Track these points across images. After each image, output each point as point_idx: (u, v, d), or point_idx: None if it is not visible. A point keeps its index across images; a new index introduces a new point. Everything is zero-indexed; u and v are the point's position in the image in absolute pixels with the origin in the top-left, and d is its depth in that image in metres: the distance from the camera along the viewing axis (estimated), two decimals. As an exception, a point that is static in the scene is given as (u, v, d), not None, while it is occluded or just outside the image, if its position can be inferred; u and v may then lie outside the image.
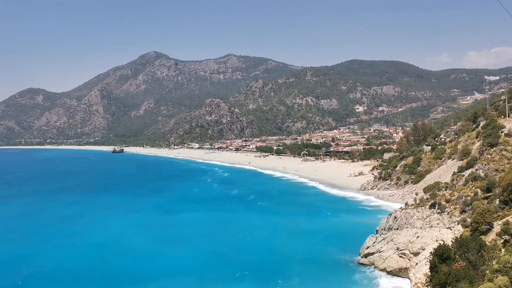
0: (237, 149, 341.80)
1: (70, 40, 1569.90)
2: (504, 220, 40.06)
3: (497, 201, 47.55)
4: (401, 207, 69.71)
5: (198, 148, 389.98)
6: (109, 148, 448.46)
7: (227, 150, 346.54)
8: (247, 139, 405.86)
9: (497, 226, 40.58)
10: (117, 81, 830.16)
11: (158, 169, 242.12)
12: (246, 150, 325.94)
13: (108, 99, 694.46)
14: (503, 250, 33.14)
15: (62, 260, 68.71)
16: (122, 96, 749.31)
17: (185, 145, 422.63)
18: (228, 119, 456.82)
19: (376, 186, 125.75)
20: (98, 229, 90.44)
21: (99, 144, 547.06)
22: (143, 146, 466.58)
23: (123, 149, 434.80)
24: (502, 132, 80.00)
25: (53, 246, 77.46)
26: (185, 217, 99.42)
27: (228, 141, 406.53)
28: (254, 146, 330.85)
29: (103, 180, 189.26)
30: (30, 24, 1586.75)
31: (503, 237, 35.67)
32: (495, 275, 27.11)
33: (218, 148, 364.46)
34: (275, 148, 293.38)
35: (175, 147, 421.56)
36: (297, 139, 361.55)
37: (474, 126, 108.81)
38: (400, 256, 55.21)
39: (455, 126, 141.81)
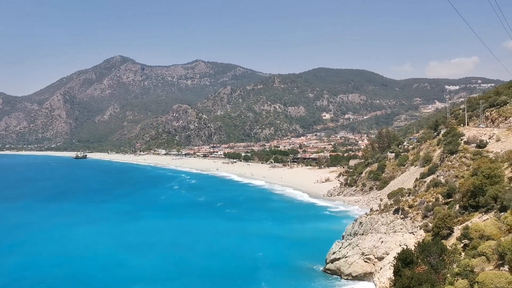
0: (205, 156, 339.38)
1: (31, 42, 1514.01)
2: (463, 224, 41.39)
3: (457, 207, 49.10)
4: (366, 213, 70.95)
5: (165, 154, 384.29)
6: (72, 154, 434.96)
7: (194, 157, 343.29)
8: (215, 145, 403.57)
9: (457, 231, 41.86)
10: (81, 85, 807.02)
11: (123, 175, 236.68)
12: (214, 157, 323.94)
13: (71, 103, 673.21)
14: (463, 254, 34.17)
15: (25, 269, 65.89)
16: (86, 101, 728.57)
17: (152, 151, 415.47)
18: (196, 125, 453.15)
19: (342, 192, 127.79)
20: (61, 237, 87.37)
21: (61, 149, 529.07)
22: (108, 152, 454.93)
23: (86, 155, 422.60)
24: (461, 140, 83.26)
25: (13, 255, 74.13)
26: (151, 225, 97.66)
27: (195, 148, 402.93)
28: (222, 153, 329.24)
29: (65, 187, 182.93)
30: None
31: (463, 241, 36.77)
32: (456, 279, 27.90)
33: (185, 155, 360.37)
34: (243, 154, 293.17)
35: (141, 153, 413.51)
36: (265, 145, 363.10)
37: (435, 134, 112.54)
38: (365, 261, 56.09)
39: (418, 134, 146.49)
